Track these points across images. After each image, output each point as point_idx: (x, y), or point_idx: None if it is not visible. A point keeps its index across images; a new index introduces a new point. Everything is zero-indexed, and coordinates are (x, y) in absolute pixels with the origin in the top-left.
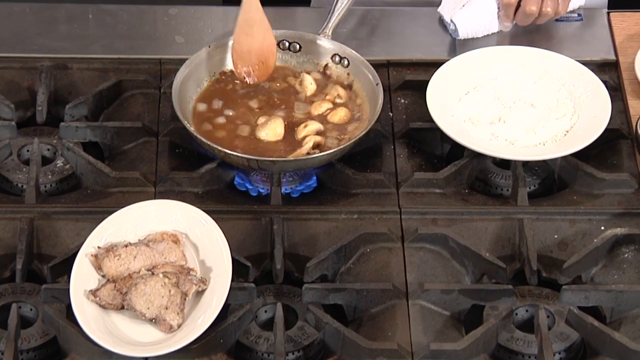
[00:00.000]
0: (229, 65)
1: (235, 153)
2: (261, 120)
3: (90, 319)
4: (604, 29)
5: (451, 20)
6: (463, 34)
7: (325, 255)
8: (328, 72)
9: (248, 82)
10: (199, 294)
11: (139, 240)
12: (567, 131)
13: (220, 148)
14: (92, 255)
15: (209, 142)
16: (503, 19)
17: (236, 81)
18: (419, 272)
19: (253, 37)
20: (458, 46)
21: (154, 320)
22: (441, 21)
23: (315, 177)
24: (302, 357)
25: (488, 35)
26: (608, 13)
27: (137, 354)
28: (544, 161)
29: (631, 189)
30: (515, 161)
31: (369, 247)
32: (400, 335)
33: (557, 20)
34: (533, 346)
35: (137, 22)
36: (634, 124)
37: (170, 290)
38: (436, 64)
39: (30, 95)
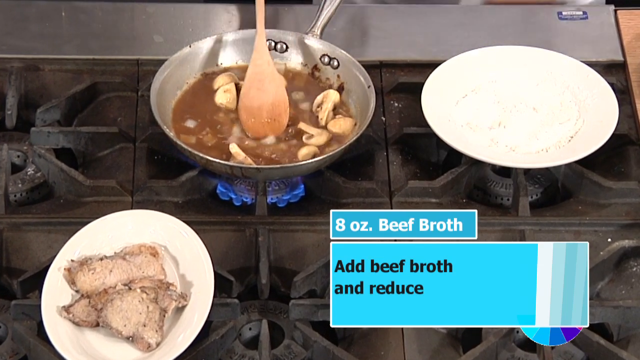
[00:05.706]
0: (211, 67)
1: (217, 160)
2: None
3: (63, 337)
4: (611, 28)
5: None
6: None
7: (313, 269)
8: (317, 74)
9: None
10: (179, 310)
11: (115, 253)
12: (572, 137)
13: (201, 155)
14: (65, 269)
15: (189, 149)
16: None
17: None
18: None
19: (264, 92)
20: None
21: (131, 339)
22: (437, 19)
23: (302, 186)
24: None
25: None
26: (615, 11)
27: None
28: (547, 169)
29: None
30: (516, 169)
31: None
32: (393, 355)
33: (561, 18)
34: None
35: (113, 21)
36: None
37: (148, 307)
38: (432, 65)
39: None
